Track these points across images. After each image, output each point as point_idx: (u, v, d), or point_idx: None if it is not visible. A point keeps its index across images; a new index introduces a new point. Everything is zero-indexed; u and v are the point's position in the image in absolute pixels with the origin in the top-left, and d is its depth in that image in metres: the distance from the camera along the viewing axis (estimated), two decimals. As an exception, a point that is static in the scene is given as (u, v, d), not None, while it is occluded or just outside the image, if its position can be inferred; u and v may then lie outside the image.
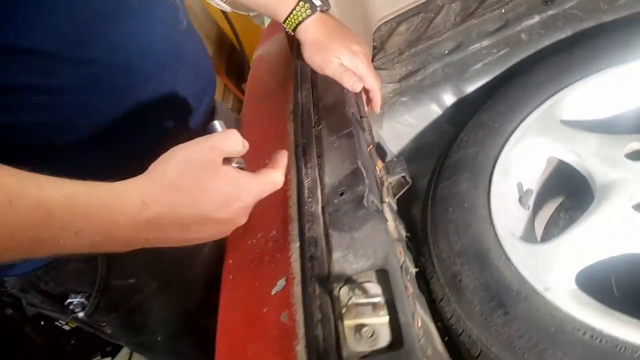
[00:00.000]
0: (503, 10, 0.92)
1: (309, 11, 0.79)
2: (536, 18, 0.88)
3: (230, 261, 0.71)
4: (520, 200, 0.69)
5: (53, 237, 0.49)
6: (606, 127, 0.71)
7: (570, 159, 0.69)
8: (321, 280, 0.54)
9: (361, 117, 0.76)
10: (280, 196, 0.72)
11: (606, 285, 0.64)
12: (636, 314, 0.51)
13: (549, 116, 0.73)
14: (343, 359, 0.47)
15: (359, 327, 0.49)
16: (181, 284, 0.86)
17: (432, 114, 0.90)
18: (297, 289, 0.61)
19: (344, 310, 0.50)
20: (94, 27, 0.63)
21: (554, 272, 0.57)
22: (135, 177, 0.54)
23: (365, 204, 0.59)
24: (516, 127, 0.74)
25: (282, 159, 0.63)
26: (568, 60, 0.78)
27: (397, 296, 0.50)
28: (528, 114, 0.74)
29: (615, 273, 0.62)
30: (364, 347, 0.48)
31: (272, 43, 1.10)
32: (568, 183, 0.78)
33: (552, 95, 0.75)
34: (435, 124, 0.90)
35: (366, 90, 0.81)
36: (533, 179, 0.73)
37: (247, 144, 0.59)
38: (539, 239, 0.74)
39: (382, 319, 0.49)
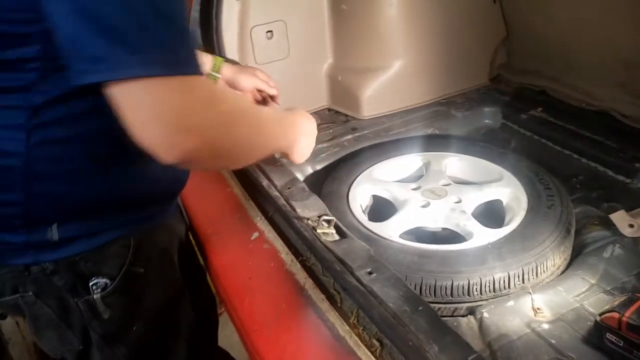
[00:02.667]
0: (331, 131, 1.61)
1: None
2: (350, 136, 1.59)
3: (208, 230, 1.08)
4: (363, 212, 1.28)
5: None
6: (400, 180, 1.40)
7: (383, 194, 1.33)
8: (296, 218, 1.01)
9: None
10: (232, 198, 1.17)
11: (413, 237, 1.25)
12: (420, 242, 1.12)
13: (369, 176, 1.38)
14: (322, 242, 0.94)
15: (325, 233, 0.97)
16: (171, 273, 1.07)
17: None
18: (270, 235, 1.05)
19: (315, 226, 0.98)
20: None
21: (391, 232, 1.16)
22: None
23: (307, 190, 1.10)
24: (354, 180, 1.35)
25: None
26: (370, 154, 1.48)
27: (336, 220, 1.01)
28: (358, 175, 1.38)
29: (415, 235, 1.24)
30: (329, 239, 0.96)
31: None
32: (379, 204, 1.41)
33: (367, 168, 1.41)
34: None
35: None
36: (365, 202, 1.34)
37: None
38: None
39: (333, 230, 0.99)
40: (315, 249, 0.93)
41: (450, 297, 1.01)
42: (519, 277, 1.02)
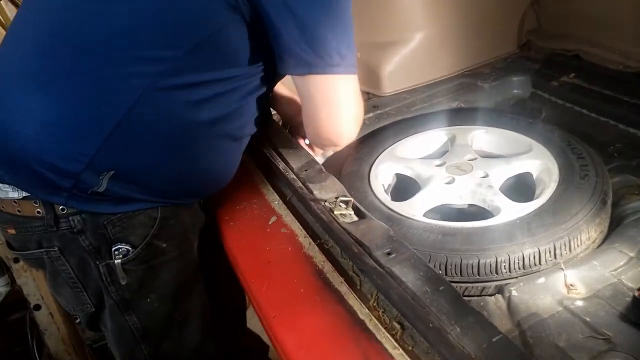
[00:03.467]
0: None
1: None
2: (371, 114, 1.54)
3: (226, 217, 1.07)
4: (385, 191, 1.24)
5: None
6: (424, 157, 1.35)
7: (406, 172, 1.28)
8: (313, 200, 0.98)
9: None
10: (250, 183, 1.15)
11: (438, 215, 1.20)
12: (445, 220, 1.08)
13: (391, 154, 1.33)
14: (339, 224, 0.91)
15: (342, 215, 0.94)
16: (190, 255, 1.10)
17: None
18: (287, 219, 1.02)
19: (332, 207, 0.95)
20: None
21: (414, 211, 1.11)
22: None
23: (324, 171, 1.06)
24: (375, 159, 1.32)
25: None
26: (392, 132, 1.43)
27: (354, 200, 0.97)
28: (380, 153, 1.33)
29: (440, 214, 1.19)
30: (347, 220, 0.93)
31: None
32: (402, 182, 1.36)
33: (390, 146, 1.36)
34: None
35: None
36: (388, 181, 1.29)
37: None
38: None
39: (351, 211, 0.96)
40: (332, 231, 0.90)
41: (477, 276, 0.97)
42: (550, 252, 0.96)
